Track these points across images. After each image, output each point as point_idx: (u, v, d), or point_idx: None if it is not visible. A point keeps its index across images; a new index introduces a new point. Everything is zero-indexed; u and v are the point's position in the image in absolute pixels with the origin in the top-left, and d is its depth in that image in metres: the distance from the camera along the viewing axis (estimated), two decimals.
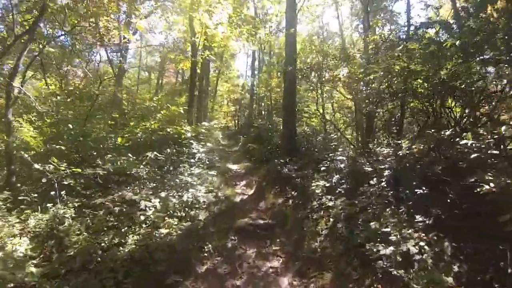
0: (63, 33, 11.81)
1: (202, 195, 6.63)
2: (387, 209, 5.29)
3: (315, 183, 7.23)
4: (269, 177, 9.00)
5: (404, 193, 5.75)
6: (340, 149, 10.24)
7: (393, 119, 13.02)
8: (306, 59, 15.40)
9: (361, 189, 6.22)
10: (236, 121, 28.68)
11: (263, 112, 23.70)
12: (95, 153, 8.33)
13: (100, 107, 12.98)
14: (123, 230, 4.90)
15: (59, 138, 8.53)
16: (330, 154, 8.67)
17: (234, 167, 12.83)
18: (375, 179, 6.38)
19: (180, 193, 6.24)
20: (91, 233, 5.09)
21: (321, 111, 18.42)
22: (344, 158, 7.43)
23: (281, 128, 16.36)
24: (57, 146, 8.07)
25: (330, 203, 6.03)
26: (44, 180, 6.39)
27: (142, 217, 4.93)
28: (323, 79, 16.80)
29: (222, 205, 6.90)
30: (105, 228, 5.13)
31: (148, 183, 6.68)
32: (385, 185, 6.06)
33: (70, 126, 9.62)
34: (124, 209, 5.47)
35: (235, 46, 12.86)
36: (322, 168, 7.96)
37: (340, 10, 20.08)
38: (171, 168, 6.90)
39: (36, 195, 6.36)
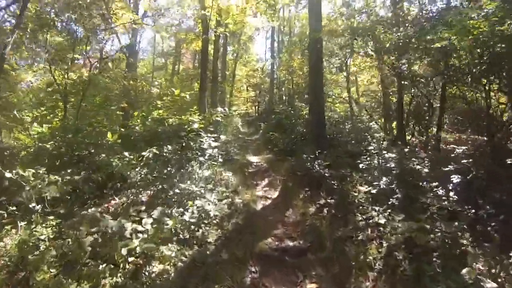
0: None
1: (213, 206, 5.17)
2: (466, 235, 3.69)
3: (356, 187, 5.62)
4: (296, 175, 7.43)
5: (485, 210, 4.11)
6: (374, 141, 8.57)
7: (425, 106, 11.12)
8: (331, 38, 13.54)
9: (420, 199, 4.56)
10: (256, 107, 27.08)
11: (284, 97, 21.92)
12: (93, 151, 7.07)
13: (108, 98, 11.80)
14: (100, 268, 3.51)
15: (57, 135, 7.41)
16: (370, 148, 6.96)
17: (254, 159, 11.32)
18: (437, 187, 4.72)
19: (182, 207, 4.80)
20: (64, 266, 3.78)
21: (346, 94, 16.62)
22: (393, 155, 5.70)
23: (306, 114, 14.80)
24: (48, 145, 6.92)
25: (381, 219, 4.41)
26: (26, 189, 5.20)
27: (125, 251, 3.50)
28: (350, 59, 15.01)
29: (239, 218, 5.41)
30: (81, 261, 3.79)
31: (142, 192, 5.28)
32: (455, 196, 4.40)
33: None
34: (109, 232, 4.07)
35: (253, 23, 11.07)
36: (362, 166, 6.29)
37: None
38: (173, 171, 5.45)
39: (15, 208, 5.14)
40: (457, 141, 9.58)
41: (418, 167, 5.49)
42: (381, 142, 7.82)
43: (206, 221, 4.88)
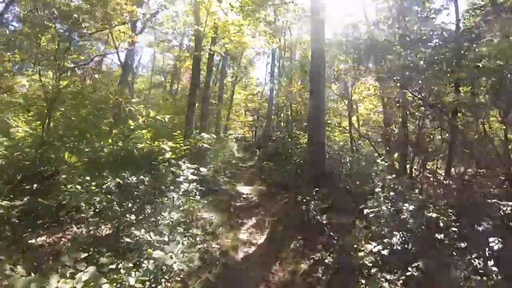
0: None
1: (179, 256, 3.98)
2: None
3: (360, 243, 4.49)
4: (288, 216, 6.30)
5: None
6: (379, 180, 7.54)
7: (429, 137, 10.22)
8: (333, 64, 12.78)
9: (447, 270, 3.45)
10: (254, 132, 26.18)
11: (282, 124, 21.03)
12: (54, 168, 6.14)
13: (93, 111, 10.81)
14: None
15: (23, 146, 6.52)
16: (377, 190, 5.87)
17: (245, 190, 10.19)
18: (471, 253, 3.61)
19: (139, 257, 3.64)
20: None
21: (346, 123, 15.71)
22: (412, 209, 4.58)
23: (305, 143, 13.80)
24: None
25: None
26: None
27: None
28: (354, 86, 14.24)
29: (212, 272, 4.24)
30: None
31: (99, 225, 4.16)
32: (495, 267, 3.29)
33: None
34: None
35: (252, 44, 10.28)
36: (368, 212, 5.17)
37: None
38: (134, 208, 4.31)
39: None
40: (471, 176, 8.61)
41: (440, 218, 4.37)
42: (390, 182, 6.74)
43: (166, 276, 3.71)
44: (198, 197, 5.22)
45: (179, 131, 6.72)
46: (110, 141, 5.37)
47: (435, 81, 7.65)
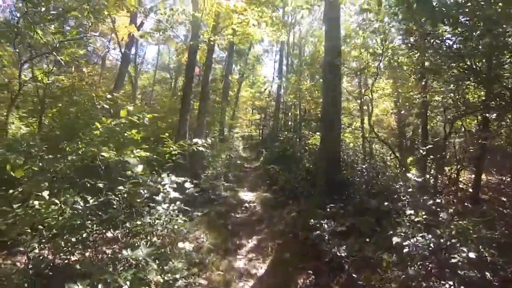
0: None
1: None
2: None
3: None
4: (297, 238, 5.14)
5: None
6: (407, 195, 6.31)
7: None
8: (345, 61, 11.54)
9: None
10: (261, 131, 25.03)
11: (290, 123, 19.80)
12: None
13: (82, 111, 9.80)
14: None
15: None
16: (408, 212, 4.66)
17: (248, 197, 9.06)
18: None
19: None
20: None
21: (358, 124, 14.43)
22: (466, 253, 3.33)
23: (314, 145, 12.61)
24: None
25: None
26: None
27: None
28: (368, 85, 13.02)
29: None
30: None
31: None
32: None
33: None
34: None
35: (258, 35, 9.05)
36: (397, 242, 3.95)
37: None
38: (90, 239, 3.20)
39: None
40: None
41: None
42: (418, 198, 5.52)
43: None
44: (181, 220, 4.04)
45: (168, 133, 5.53)
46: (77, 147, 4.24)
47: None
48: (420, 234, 3.88)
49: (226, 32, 8.90)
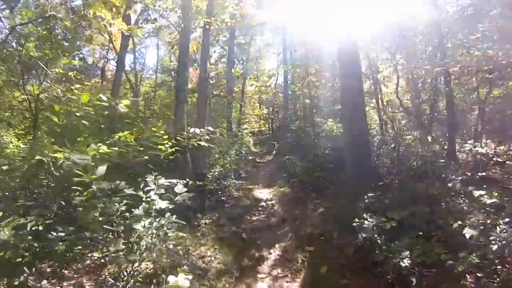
0: None
1: None
2: None
3: None
4: (333, 244, 3.87)
5: None
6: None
7: None
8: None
9: None
10: (270, 125, 23.77)
11: (299, 113, 18.41)
12: None
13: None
14: None
15: None
16: (478, 193, 3.39)
17: (264, 195, 7.87)
18: None
19: None
20: None
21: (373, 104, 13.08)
22: None
23: (329, 131, 11.31)
24: None
25: None
26: None
27: None
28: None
29: None
30: None
31: None
32: None
33: None
34: None
35: (257, 18, 7.72)
36: (469, 236, 2.67)
37: None
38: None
39: None
40: None
41: None
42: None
43: None
44: (172, 234, 2.81)
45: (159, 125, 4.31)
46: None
47: None
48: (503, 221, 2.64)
49: (222, 17, 7.71)
